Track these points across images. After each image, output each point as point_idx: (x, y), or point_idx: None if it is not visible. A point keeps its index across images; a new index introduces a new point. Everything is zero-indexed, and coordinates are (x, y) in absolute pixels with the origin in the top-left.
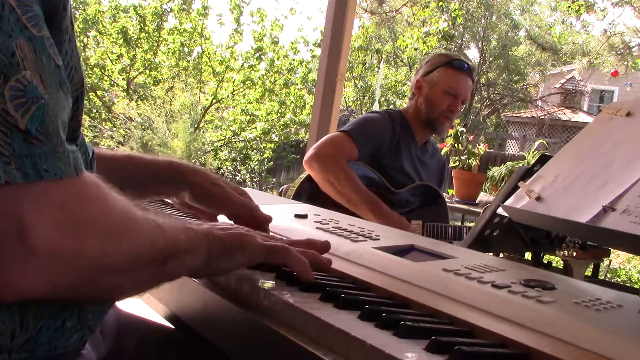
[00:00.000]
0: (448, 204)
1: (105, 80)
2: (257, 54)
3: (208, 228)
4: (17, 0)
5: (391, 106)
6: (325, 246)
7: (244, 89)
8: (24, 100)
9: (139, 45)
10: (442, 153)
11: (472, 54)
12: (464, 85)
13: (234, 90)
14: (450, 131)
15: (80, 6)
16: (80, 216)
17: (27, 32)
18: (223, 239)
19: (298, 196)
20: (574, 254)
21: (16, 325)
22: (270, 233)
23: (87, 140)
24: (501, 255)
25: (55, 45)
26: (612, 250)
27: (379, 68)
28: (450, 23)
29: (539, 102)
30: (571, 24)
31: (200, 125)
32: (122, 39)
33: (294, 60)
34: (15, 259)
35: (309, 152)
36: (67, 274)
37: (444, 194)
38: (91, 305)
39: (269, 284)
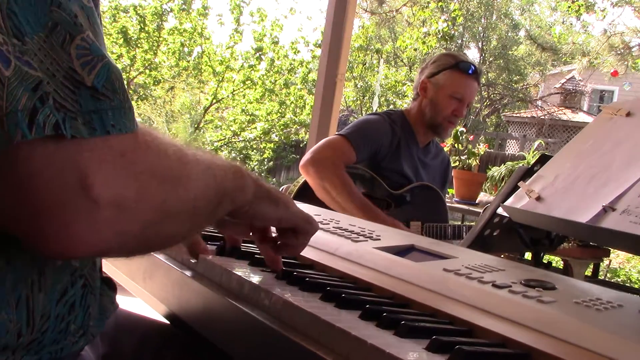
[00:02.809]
0: (448, 204)
1: None
2: (257, 54)
3: (252, 171)
4: None
5: (391, 106)
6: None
7: (244, 89)
8: (89, 58)
9: (139, 45)
10: None
11: (472, 54)
12: (470, 89)
13: (234, 90)
14: None
15: None
16: (140, 165)
17: (79, 1)
18: (270, 189)
19: (299, 196)
20: (574, 245)
21: (23, 324)
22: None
23: None
24: (501, 255)
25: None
26: (612, 250)
27: (379, 68)
28: (449, 23)
29: (539, 102)
30: (571, 24)
31: (200, 125)
32: (122, 39)
33: (294, 60)
34: (82, 213)
35: (305, 156)
36: (132, 223)
37: (444, 194)
38: (95, 311)
39: None
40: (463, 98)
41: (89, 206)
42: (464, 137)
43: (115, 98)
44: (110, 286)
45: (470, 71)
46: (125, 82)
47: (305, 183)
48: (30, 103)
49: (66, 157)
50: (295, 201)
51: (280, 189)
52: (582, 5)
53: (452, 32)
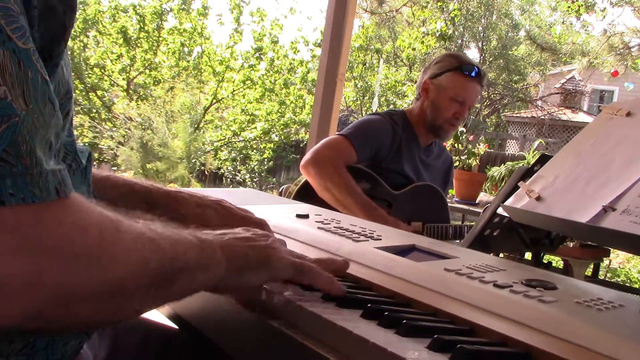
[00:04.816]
0: (448, 204)
1: (105, 80)
2: (257, 54)
3: (228, 240)
4: (1, 11)
5: (391, 106)
6: (344, 265)
7: (244, 89)
8: None
9: (139, 45)
10: None
11: (472, 54)
12: (473, 92)
13: (234, 90)
14: None
15: (80, 6)
16: (40, 242)
17: (11, 43)
18: (247, 254)
19: (299, 196)
20: (576, 245)
21: (14, 330)
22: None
23: (87, 140)
24: (501, 255)
25: (62, 59)
26: (612, 250)
27: (379, 68)
28: (448, 23)
29: (539, 102)
30: (571, 23)
31: (200, 125)
32: (122, 39)
33: (293, 60)
34: None
35: (306, 156)
36: (19, 307)
37: (445, 194)
38: None
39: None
40: (465, 101)
41: None
42: (464, 137)
43: (18, 163)
44: None
45: (473, 74)
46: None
47: (305, 183)
48: None
49: None
50: (294, 200)
51: (280, 189)
52: (582, 5)
53: (450, 31)
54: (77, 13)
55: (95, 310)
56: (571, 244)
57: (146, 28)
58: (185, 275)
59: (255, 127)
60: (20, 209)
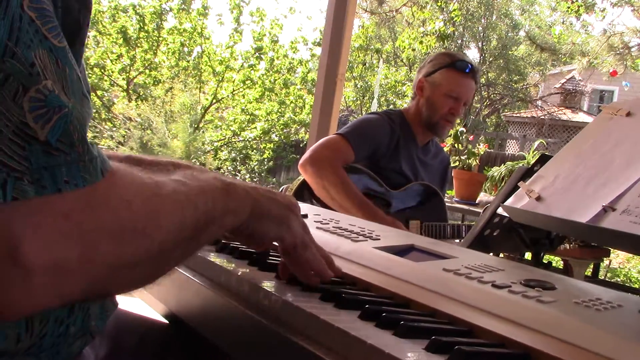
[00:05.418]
0: (448, 204)
1: (105, 80)
2: (257, 54)
3: (254, 187)
4: (36, 12)
5: (391, 106)
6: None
7: (244, 89)
8: (44, 111)
9: (138, 45)
10: None
11: (472, 54)
12: (467, 88)
13: (233, 90)
14: (450, 131)
15: None
16: (89, 223)
17: (48, 42)
18: (269, 205)
19: (297, 195)
20: (575, 246)
21: (22, 330)
22: None
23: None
24: (501, 255)
25: (80, 60)
26: (612, 250)
27: (378, 68)
28: (448, 23)
29: (539, 102)
30: (571, 23)
31: (200, 125)
32: (122, 39)
33: (293, 59)
34: (15, 282)
35: (304, 155)
36: (77, 284)
37: (443, 194)
38: (95, 311)
39: None
40: (459, 97)
41: (22, 274)
42: (464, 137)
43: (72, 152)
44: None
45: (466, 70)
46: (127, 81)
47: (303, 182)
48: None
49: None
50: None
51: (280, 189)
52: (582, 5)
53: (449, 31)
54: None
55: (139, 274)
56: (569, 245)
57: (146, 28)
58: (214, 222)
59: (255, 127)
60: (73, 195)
